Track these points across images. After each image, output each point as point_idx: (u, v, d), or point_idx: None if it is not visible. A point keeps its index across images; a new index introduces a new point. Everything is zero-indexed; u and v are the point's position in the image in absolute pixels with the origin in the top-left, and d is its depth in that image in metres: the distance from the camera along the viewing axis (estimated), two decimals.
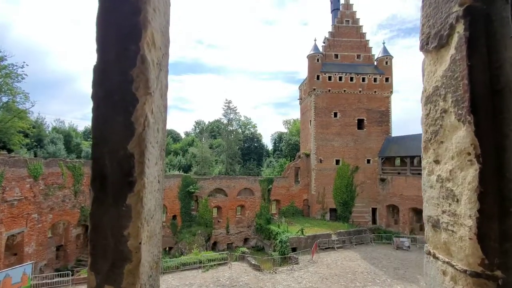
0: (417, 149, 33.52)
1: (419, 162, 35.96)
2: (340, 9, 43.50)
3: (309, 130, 41.03)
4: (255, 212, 35.88)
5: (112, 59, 0.71)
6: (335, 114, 39.61)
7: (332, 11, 47.57)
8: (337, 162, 38.55)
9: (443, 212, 0.75)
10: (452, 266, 0.71)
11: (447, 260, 0.74)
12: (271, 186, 36.95)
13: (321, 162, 38.74)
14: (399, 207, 34.22)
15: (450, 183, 0.73)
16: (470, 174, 0.66)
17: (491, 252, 0.64)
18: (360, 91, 39.78)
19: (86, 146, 57.36)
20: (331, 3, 48.36)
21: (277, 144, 79.59)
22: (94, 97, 0.68)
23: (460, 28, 0.69)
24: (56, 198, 24.46)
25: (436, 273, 0.77)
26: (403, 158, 36.10)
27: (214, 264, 23.56)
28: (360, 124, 39.62)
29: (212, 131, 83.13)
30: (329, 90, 39.69)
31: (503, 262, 0.62)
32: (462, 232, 0.68)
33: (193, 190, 33.24)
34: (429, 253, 0.82)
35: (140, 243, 0.69)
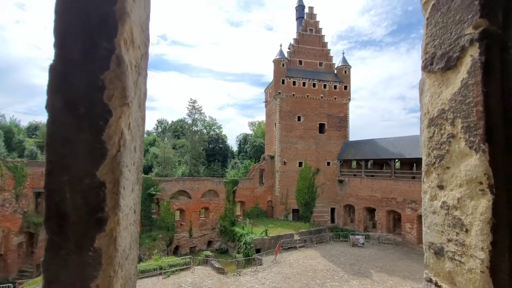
0: (370, 153, 36.32)
1: (372, 164, 39.03)
2: (305, 18, 45.27)
3: (274, 132, 41.83)
4: (219, 214, 35.33)
5: (76, 58, 0.53)
6: (299, 118, 41.00)
7: (297, 19, 49.29)
8: (300, 164, 39.90)
9: (449, 240, 0.73)
10: None
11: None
12: (236, 187, 36.76)
13: (285, 164, 39.71)
14: (355, 207, 36.64)
15: (458, 211, 0.71)
16: (482, 205, 0.64)
17: (502, 286, 0.61)
18: (321, 97, 41.79)
19: (30, 144, 50.89)
20: (296, 11, 50.11)
21: (242, 146, 79.66)
22: (50, 107, 0.50)
23: (474, 51, 0.67)
24: None
25: None
26: (358, 161, 38.78)
27: (176, 270, 22.59)
28: (322, 128, 41.59)
29: (176, 131, 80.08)
30: (294, 95, 40.96)
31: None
32: (472, 264, 0.65)
33: (154, 193, 31.52)
34: (430, 280, 0.79)
35: None
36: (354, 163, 41.43)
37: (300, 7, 49.45)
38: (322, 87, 42.01)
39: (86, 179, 0.54)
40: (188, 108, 68.58)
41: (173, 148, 68.29)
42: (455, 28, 0.71)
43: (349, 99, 43.21)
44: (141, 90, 0.74)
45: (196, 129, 71.45)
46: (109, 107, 0.54)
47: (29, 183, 24.95)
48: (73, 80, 0.52)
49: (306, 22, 44.63)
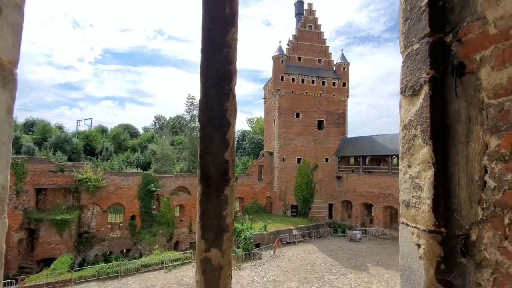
0: (368, 150, 36.98)
1: (370, 161, 39.76)
2: (303, 14, 45.47)
3: (273, 129, 42.28)
4: None
5: (213, 95, 1.01)
6: (298, 115, 41.44)
7: (296, 15, 49.43)
8: (299, 160, 40.45)
9: (413, 197, 1.23)
10: (417, 228, 1.19)
11: (414, 225, 1.22)
12: (235, 183, 37.22)
13: (283, 160, 40.24)
14: (352, 202, 37.37)
15: (417, 179, 1.21)
16: (429, 174, 1.14)
17: (439, 218, 1.12)
18: (320, 94, 42.22)
19: (27, 140, 50.38)
20: (295, 7, 50.21)
21: (240, 142, 79.94)
22: (201, 121, 0.97)
23: (426, 87, 1.16)
24: None
25: (407, 234, 1.25)
26: (356, 158, 39.45)
27: (177, 264, 23.13)
28: (320, 125, 42.10)
29: (174, 127, 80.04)
30: (292, 91, 41.35)
31: (445, 224, 1.11)
32: (424, 208, 1.16)
33: (154, 189, 31.93)
34: (403, 223, 1.30)
35: (233, 219, 1.02)
36: (352, 160, 42.07)
37: (299, 3, 49.53)
38: (321, 84, 42.42)
39: (219, 158, 1.02)
40: (186, 104, 68.69)
41: (171, 145, 68.42)
42: (417, 72, 1.20)
43: (348, 96, 43.70)
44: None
45: (194, 125, 71.67)
46: (229, 121, 1.00)
47: (30, 180, 25.08)
48: (211, 107, 0.99)
49: (305, 19, 44.83)
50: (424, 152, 1.16)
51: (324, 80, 42.50)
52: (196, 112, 70.91)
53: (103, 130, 73.57)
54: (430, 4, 1.17)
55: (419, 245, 1.18)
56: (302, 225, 32.77)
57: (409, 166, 1.25)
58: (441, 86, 1.14)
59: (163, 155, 61.44)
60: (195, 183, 34.78)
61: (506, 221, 0.93)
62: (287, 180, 39.61)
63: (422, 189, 1.17)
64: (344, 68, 44.02)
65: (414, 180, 1.21)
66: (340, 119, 43.02)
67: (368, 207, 37.12)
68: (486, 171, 1.00)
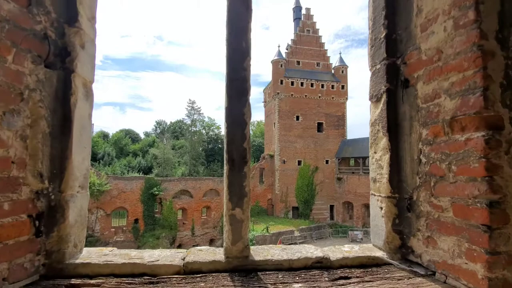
0: (367, 151, 37.34)
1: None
2: (302, 19, 46.23)
3: (273, 132, 42.76)
4: (220, 212, 36.14)
5: (235, 104, 1.49)
6: (297, 118, 41.95)
7: (294, 20, 50.24)
8: (299, 163, 40.87)
9: (377, 174, 1.71)
10: (380, 196, 1.67)
11: (378, 194, 1.70)
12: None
13: (284, 163, 40.65)
14: (353, 203, 37.69)
15: (380, 161, 1.69)
16: (387, 157, 1.62)
17: (394, 187, 1.60)
18: (319, 97, 42.79)
19: None
20: (294, 12, 51.05)
21: None
22: (227, 121, 1.44)
23: (384, 96, 1.64)
24: None
25: (374, 201, 1.73)
26: (356, 159, 39.86)
27: None
28: (320, 127, 42.59)
29: (175, 131, 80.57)
30: (292, 95, 41.91)
31: (397, 191, 1.59)
32: (383, 181, 1.63)
33: (157, 192, 32.33)
34: (372, 194, 1.77)
35: (249, 188, 1.50)
36: (352, 161, 42.45)
37: (297, 8, 50.37)
38: (320, 87, 43.01)
39: (240, 147, 1.49)
40: (187, 108, 69.36)
41: (173, 149, 68.81)
42: (379, 85, 1.69)
43: (347, 98, 44.26)
44: None
45: (195, 129, 72.21)
46: (246, 121, 1.47)
47: None
48: (234, 112, 1.47)
49: (303, 23, 45.58)
50: (384, 141, 1.64)
51: (323, 83, 43.09)
52: (196, 116, 71.54)
53: (104, 136, 74.15)
54: (386, 37, 1.66)
55: (381, 208, 1.65)
56: (303, 227, 33.09)
57: (375, 152, 1.73)
58: (394, 95, 1.63)
59: (164, 159, 61.87)
60: (197, 186, 35.17)
61: (432, 184, 1.40)
62: (288, 182, 39.97)
63: (382, 168, 1.64)
64: (342, 71, 44.63)
65: (378, 162, 1.69)
66: (340, 121, 43.51)
67: (369, 207, 37.32)
68: (421, 152, 1.48)
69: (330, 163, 41.66)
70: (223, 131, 1.46)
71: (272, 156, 42.09)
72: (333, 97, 43.33)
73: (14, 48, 1.22)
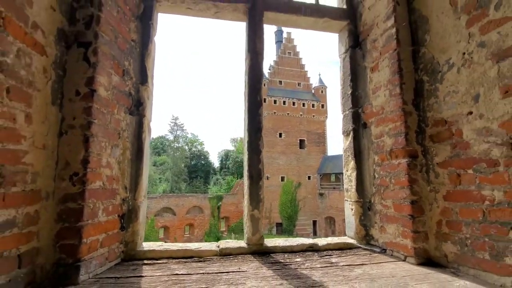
0: None
1: None
2: (283, 42, 48.95)
3: None
4: (204, 230, 35.65)
5: (253, 139, 2.22)
6: (280, 135, 43.29)
7: (276, 42, 53.01)
8: (282, 179, 41.70)
9: (348, 185, 2.49)
10: (351, 201, 2.44)
11: (350, 200, 2.47)
12: (220, 203, 37.49)
13: (268, 179, 41.27)
14: (335, 218, 38.70)
15: (350, 177, 2.47)
16: (354, 174, 2.41)
17: (359, 194, 2.38)
18: (301, 115, 44.67)
19: None
20: (275, 35, 53.95)
21: (224, 162, 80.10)
22: (248, 150, 2.17)
23: (351, 132, 2.46)
24: None
25: (347, 205, 2.49)
26: (337, 175, 41.41)
27: None
28: (302, 144, 44.12)
29: (156, 147, 79.28)
30: (275, 113, 43.42)
31: (361, 196, 2.38)
32: (352, 190, 2.42)
33: None
34: (346, 200, 2.53)
35: (263, 196, 2.20)
36: (333, 177, 43.95)
37: (278, 32, 53.31)
38: (301, 105, 45.02)
39: (257, 168, 2.20)
40: (169, 124, 68.90)
41: (154, 165, 67.35)
42: (348, 125, 2.51)
43: (326, 117, 46.52)
44: None
45: (177, 145, 71.60)
46: (260, 150, 2.19)
47: None
48: (253, 144, 2.19)
49: (285, 46, 48.20)
50: (352, 163, 2.43)
51: (304, 102, 45.18)
52: (179, 132, 71.17)
53: None
54: (352, 94, 2.51)
55: (352, 209, 2.41)
56: None
57: (347, 170, 2.51)
58: (357, 132, 2.45)
59: None
60: (181, 203, 34.66)
61: (382, 191, 2.18)
62: (271, 198, 40.42)
63: (352, 181, 2.42)
64: (322, 91, 47.15)
65: (349, 177, 2.47)
66: (320, 138, 45.39)
67: None
68: (374, 171, 2.27)
69: (312, 179, 42.91)
70: (244, 157, 2.00)
71: None
72: (313, 115, 45.42)
73: (117, 104, 1.89)
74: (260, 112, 2.32)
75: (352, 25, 2.63)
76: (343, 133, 2.60)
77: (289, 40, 48.82)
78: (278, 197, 40.63)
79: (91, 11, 1.70)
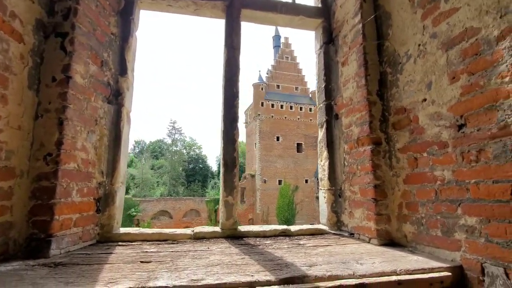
0: None
1: None
2: (281, 47, 49.44)
3: (254, 152, 43.71)
4: None
5: (228, 128, 2.32)
6: (278, 138, 43.43)
7: (274, 47, 53.51)
8: (280, 182, 41.70)
9: (322, 175, 2.59)
10: (324, 188, 2.53)
11: (323, 188, 2.56)
12: (217, 206, 37.36)
13: (265, 182, 41.29)
14: None
15: (324, 166, 2.57)
16: (327, 163, 2.51)
17: (331, 182, 2.48)
18: (298, 119, 44.90)
19: None
20: (273, 40, 54.50)
21: None
22: (224, 140, 2.25)
23: (325, 124, 2.55)
24: None
25: (321, 193, 2.58)
26: None
27: None
28: (299, 147, 44.25)
29: (154, 151, 79.13)
30: (272, 116, 43.64)
31: (333, 184, 2.48)
32: (325, 179, 2.51)
33: (134, 214, 31.36)
34: (320, 188, 2.63)
35: (238, 183, 2.30)
36: None
37: (276, 37, 53.86)
38: (299, 109, 45.29)
39: (232, 156, 2.30)
40: (168, 128, 68.91)
41: (151, 169, 67.20)
42: (322, 117, 2.61)
43: None
44: None
45: (175, 149, 71.54)
46: (235, 139, 2.25)
47: None
48: (229, 133, 2.28)
49: (282, 51, 48.67)
50: (325, 153, 2.53)
51: (301, 106, 45.44)
52: (177, 136, 71.23)
53: None
54: (325, 87, 2.62)
55: (325, 197, 2.50)
56: None
57: (321, 160, 2.61)
58: (330, 124, 2.55)
59: (142, 179, 60.16)
60: (177, 207, 34.59)
61: (350, 178, 2.28)
62: (269, 202, 40.37)
63: (325, 170, 2.52)
64: None
65: (322, 167, 2.57)
66: None
67: None
68: (344, 159, 2.37)
69: (310, 182, 42.94)
70: (220, 146, 2.08)
71: (253, 176, 42.65)
72: (311, 119, 45.65)
73: (94, 92, 1.99)
74: (236, 104, 2.43)
75: (327, 22, 2.76)
76: (318, 124, 2.71)
77: (287, 45, 49.33)
78: (275, 200, 40.58)
79: (69, 3, 1.81)
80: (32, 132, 1.65)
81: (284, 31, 50.78)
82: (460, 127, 1.56)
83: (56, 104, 1.68)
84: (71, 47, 1.75)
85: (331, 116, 2.57)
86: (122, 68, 2.29)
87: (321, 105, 2.66)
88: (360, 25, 2.25)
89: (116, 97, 2.24)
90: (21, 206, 1.56)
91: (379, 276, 1.38)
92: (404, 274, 1.40)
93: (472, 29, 1.52)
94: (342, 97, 2.46)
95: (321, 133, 2.63)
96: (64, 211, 1.67)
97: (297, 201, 41.23)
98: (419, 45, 1.86)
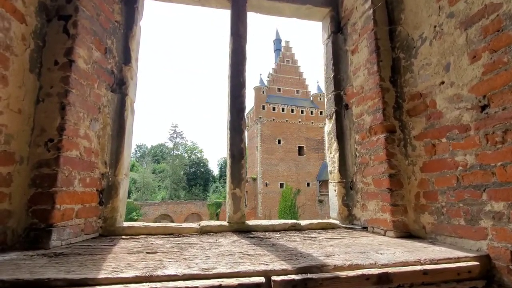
0: None
1: None
2: (282, 50, 49.64)
3: (256, 155, 43.57)
4: None
5: (235, 119, 2.25)
6: (279, 141, 43.33)
7: (275, 51, 53.75)
8: (281, 185, 41.48)
9: (332, 167, 2.50)
10: (334, 181, 2.44)
11: (333, 181, 2.47)
12: (219, 210, 37.18)
13: (267, 185, 41.08)
14: None
15: (334, 158, 2.48)
16: (337, 155, 2.42)
17: (342, 175, 2.39)
18: (299, 122, 44.84)
19: None
20: (274, 44, 54.77)
21: (223, 170, 79.77)
22: (230, 129, 2.17)
23: (334, 114, 2.48)
24: None
25: (331, 186, 2.49)
26: None
27: None
28: (301, 150, 44.11)
29: (155, 155, 79.07)
30: (273, 119, 43.60)
31: (344, 177, 2.38)
32: (336, 172, 2.42)
33: (136, 217, 31.18)
34: (330, 182, 2.54)
35: (246, 175, 2.21)
36: None
37: (277, 41, 54.14)
38: (300, 112, 45.26)
39: (239, 147, 2.22)
40: (169, 132, 69.01)
41: (153, 173, 67.09)
42: (331, 108, 2.54)
43: (325, 123, 46.71)
44: None
45: (177, 153, 71.50)
46: (243, 130, 2.19)
47: None
48: (235, 124, 2.20)
49: (283, 54, 48.85)
50: (335, 145, 2.44)
51: (302, 109, 45.44)
52: (179, 140, 71.21)
53: None
54: (334, 77, 2.54)
55: (335, 190, 2.41)
56: None
57: (330, 153, 2.53)
58: (339, 114, 2.47)
59: (144, 183, 60.00)
60: (179, 211, 34.40)
61: (362, 169, 2.19)
62: (271, 205, 40.12)
63: (335, 163, 2.43)
64: (320, 98, 47.46)
65: (332, 159, 2.48)
66: (319, 145, 45.40)
67: None
68: (356, 150, 2.28)
69: (312, 185, 42.69)
70: (227, 137, 2.04)
71: (254, 179, 42.46)
72: (312, 122, 45.59)
73: (98, 79, 1.92)
74: (243, 93, 2.36)
75: (334, 11, 2.70)
76: (327, 116, 2.63)
77: (287, 48, 49.52)
78: (277, 203, 40.32)
79: None
80: (33, 117, 1.58)
81: (285, 35, 50.98)
82: (483, 108, 1.47)
83: (58, 88, 1.61)
84: (74, 30, 1.69)
85: (341, 107, 2.49)
86: (126, 57, 2.23)
87: (330, 95, 2.59)
88: (371, 11, 2.18)
89: (120, 86, 2.17)
90: (20, 194, 1.48)
91: (402, 266, 1.28)
92: (429, 264, 1.31)
93: (492, 5, 1.45)
94: (352, 86, 2.38)
95: (330, 124, 2.55)
96: (65, 200, 1.59)
97: (299, 205, 40.95)
98: (435, 26, 1.79)
